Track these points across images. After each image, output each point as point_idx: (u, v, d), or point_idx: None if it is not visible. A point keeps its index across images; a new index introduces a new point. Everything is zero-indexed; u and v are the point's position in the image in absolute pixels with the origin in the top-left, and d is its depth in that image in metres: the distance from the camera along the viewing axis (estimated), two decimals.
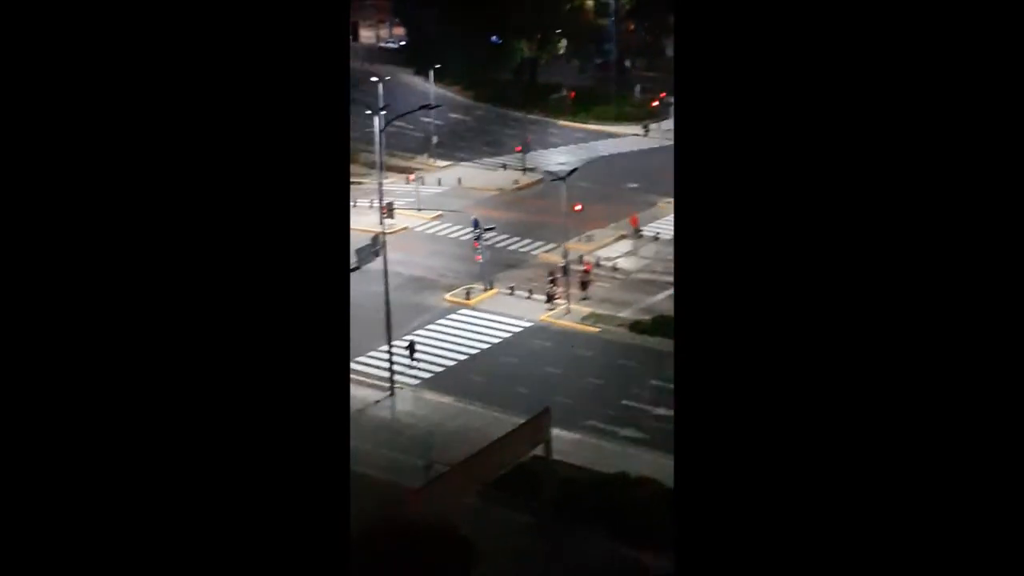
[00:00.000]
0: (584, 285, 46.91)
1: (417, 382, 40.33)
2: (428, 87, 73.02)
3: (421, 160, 69.97)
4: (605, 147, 73.51)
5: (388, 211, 53.11)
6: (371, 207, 57.93)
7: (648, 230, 55.75)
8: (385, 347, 39.57)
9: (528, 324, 45.38)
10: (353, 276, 48.89)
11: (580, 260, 50.81)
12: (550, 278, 47.31)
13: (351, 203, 58.41)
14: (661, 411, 36.37)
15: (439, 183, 65.15)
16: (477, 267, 49.46)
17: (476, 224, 51.31)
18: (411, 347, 41.56)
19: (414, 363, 40.95)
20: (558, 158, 70.06)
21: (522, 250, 54.40)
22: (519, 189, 64.52)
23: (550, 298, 46.17)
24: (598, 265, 50.96)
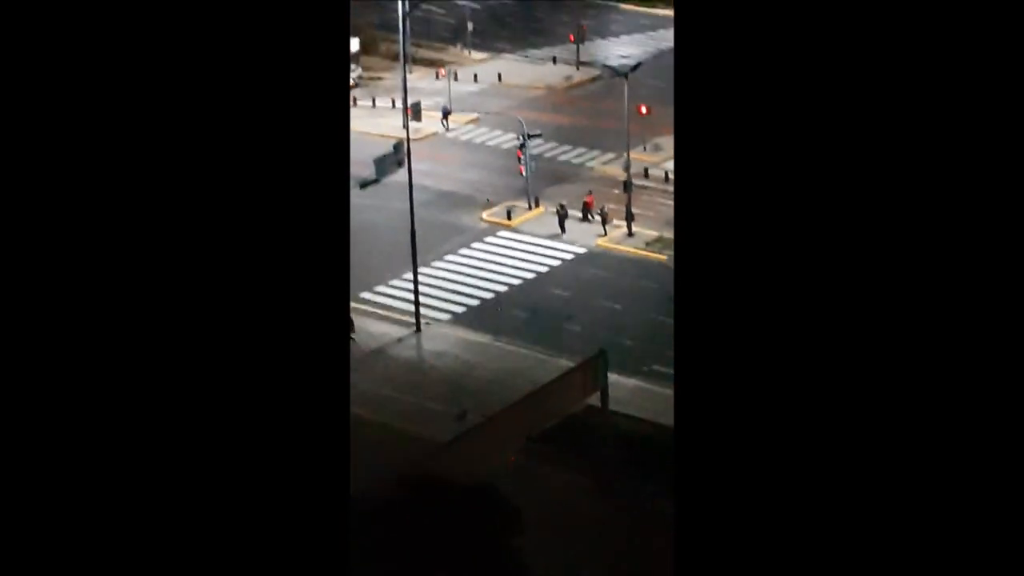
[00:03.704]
0: (605, 218, 46.16)
1: (449, 316, 40.56)
2: None
3: (454, 51, 69.67)
4: None
5: (414, 113, 53.03)
6: (393, 107, 57.88)
7: None
8: (409, 275, 39.76)
9: (581, 250, 45.38)
10: (372, 190, 49.14)
11: (646, 173, 50.59)
12: (586, 196, 47.25)
13: (369, 102, 58.41)
14: None
15: (475, 79, 64.88)
16: (520, 181, 49.38)
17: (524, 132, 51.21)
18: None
19: None
20: (620, 50, 69.48)
21: (575, 161, 54.24)
22: (572, 87, 64.14)
23: (604, 220, 46.02)
24: (667, 179, 50.70)
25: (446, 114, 57.22)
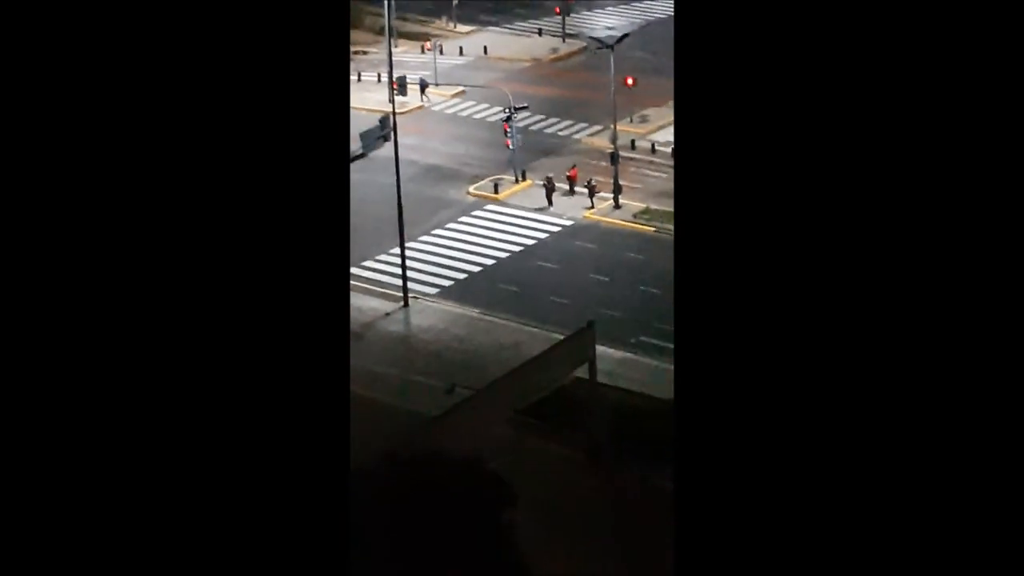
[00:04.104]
0: (591, 191, 46.09)
1: (436, 291, 40.56)
2: None
3: (439, 25, 69.40)
4: (664, 7, 72.55)
5: (400, 87, 52.86)
6: (379, 82, 57.70)
7: None
8: (396, 249, 39.71)
9: (568, 223, 45.38)
10: (358, 165, 49.06)
11: (632, 145, 50.54)
12: (569, 170, 47.21)
13: (355, 76, 58.21)
14: None
15: (461, 52, 64.69)
16: (507, 154, 49.31)
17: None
18: None
19: None
20: (606, 21, 69.29)
21: (561, 133, 54.18)
22: (558, 60, 64.01)
23: (591, 192, 45.95)
24: (654, 151, 50.66)
25: (423, 87, 56.97)
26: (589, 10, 72.33)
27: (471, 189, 48.43)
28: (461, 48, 65.20)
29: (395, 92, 50.46)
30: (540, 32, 67.97)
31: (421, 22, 69.50)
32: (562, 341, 32.05)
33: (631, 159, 49.52)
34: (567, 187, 47.08)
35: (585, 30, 66.28)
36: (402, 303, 39.38)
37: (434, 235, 44.44)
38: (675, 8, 12.66)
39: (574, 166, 47.85)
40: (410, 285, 39.70)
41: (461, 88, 58.58)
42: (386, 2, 50.94)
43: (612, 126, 46.93)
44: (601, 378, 31.81)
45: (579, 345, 31.25)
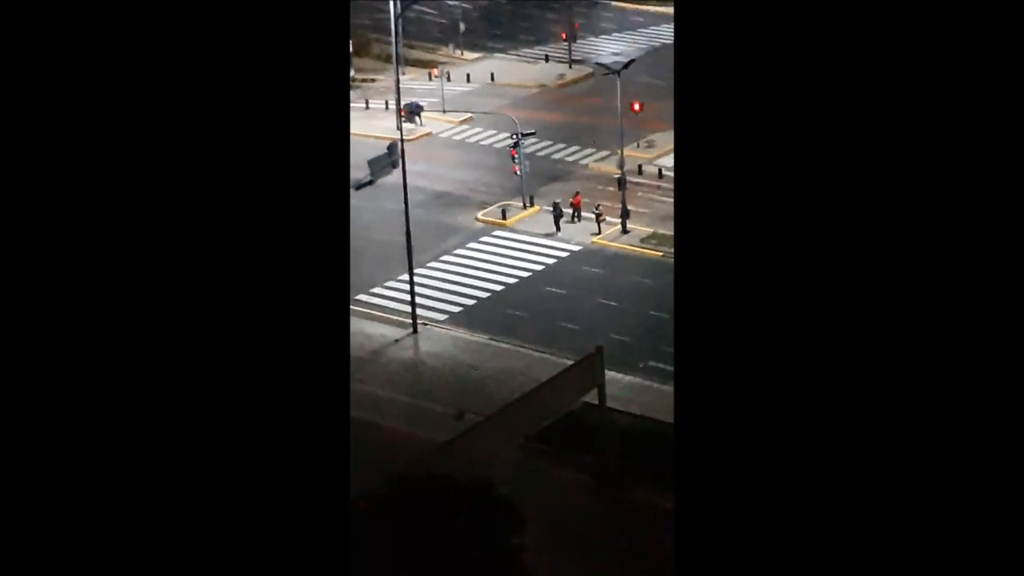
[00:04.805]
0: (598, 217, 46.11)
1: (445, 317, 40.66)
2: None
3: (446, 52, 69.66)
4: (670, 33, 72.80)
5: (407, 114, 53.08)
6: (387, 109, 57.95)
7: None
8: (404, 276, 39.84)
9: (576, 248, 45.50)
10: (366, 192, 49.21)
11: (639, 170, 50.67)
12: (572, 197, 47.29)
13: (362, 104, 58.46)
14: None
15: (468, 79, 64.93)
16: (514, 180, 49.48)
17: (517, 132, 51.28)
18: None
19: None
20: (612, 47, 69.50)
21: (568, 159, 54.32)
22: (564, 85, 64.21)
23: (598, 219, 46.05)
24: (660, 176, 50.79)
25: (412, 113, 55.64)
26: (595, 36, 72.57)
27: (479, 215, 48.57)
28: (468, 75, 65.42)
29: (403, 119, 50.63)
30: (547, 58, 68.20)
31: (428, 49, 69.78)
32: (571, 366, 32.12)
33: (638, 184, 49.64)
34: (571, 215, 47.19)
35: (591, 56, 66.45)
36: (411, 329, 39.48)
37: (442, 261, 44.56)
38: (675, 30, 12.84)
39: (577, 193, 47.97)
40: (419, 311, 39.81)
41: (469, 115, 58.80)
42: (393, 30, 51.28)
43: (619, 151, 47.09)
44: (610, 403, 31.87)
45: (588, 370, 31.32)
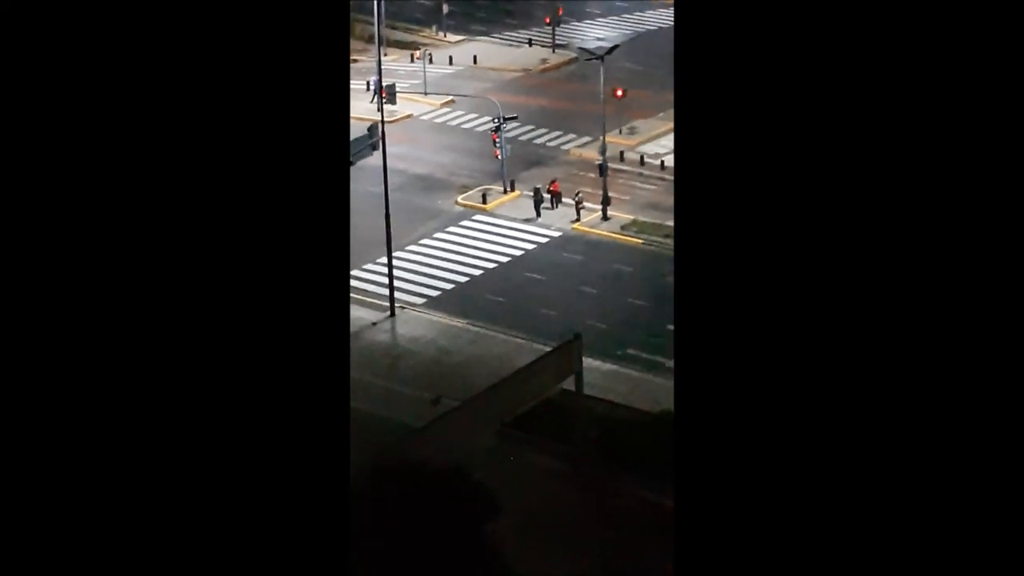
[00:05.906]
0: (578, 204, 46.07)
1: (423, 301, 40.59)
2: None
3: (429, 34, 69.54)
4: (654, 19, 72.81)
5: (388, 95, 52.89)
6: (368, 90, 57.77)
7: None
8: (383, 259, 39.75)
9: (556, 234, 45.47)
10: None
11: (621, 157, 50.64)
12: (550, 183, 47.24)
13: None
14: None
15: (450, 62, 64.80)
16: (495, 164, 49.40)
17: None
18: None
19: None
20: (596, 32, 69.45)
21: (550, 144, 54.28)
22: (547, 70, 64.13)
23: (578, 206, 45.95)
24: (642, 163, 50.78)
25: (377, 91, 49.41)
26: (579, 21, 72.51)
27: (459, 199, 48.49)
28: (451, 57, 65.30)
29: (383, 100, 50.39)
30: (530, 42, 68.12)
31: (411, 31, 69.65)
32: (548, 353, 32.10)
33: (620, 171, 49.65)
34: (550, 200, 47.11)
35: (575, 41, 66.45)
36: (389, 313, 39.41)
37: (422, 245, 44.49)
38: (675, 18, 12.75)
39: (554, 180, 47.88)
40: (397, 295, 39.73)
41: (450, 97, 58.68)
42: (376, 11, 51.02)
43: (601, 137, 47.06)
44: (588, 390, 31.88)
45: (565, 357, 31.32)
